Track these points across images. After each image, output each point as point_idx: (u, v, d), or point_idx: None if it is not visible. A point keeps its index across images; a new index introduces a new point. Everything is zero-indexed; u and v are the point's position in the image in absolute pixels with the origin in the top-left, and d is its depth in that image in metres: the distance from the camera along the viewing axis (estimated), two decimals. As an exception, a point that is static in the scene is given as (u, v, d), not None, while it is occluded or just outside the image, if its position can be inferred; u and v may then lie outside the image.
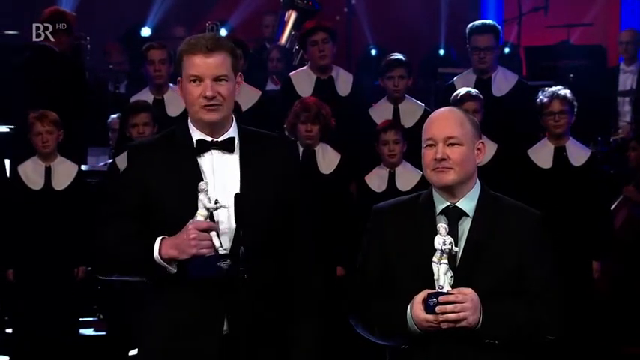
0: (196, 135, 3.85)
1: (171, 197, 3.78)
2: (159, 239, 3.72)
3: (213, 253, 3.67)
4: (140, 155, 3.89)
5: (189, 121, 3.89)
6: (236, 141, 3.85)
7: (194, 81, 3.78)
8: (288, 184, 3.87)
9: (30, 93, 8.10)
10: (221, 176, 3.82)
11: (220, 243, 3.69)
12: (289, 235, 3.87)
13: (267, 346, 3.83)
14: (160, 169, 3.81)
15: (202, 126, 3.83)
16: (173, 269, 3.72)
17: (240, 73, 3.89)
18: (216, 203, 3.69)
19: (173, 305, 3.79)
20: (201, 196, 3.69)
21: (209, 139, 3.84)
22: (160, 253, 3.70)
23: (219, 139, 3.84)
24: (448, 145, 3.76)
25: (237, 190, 3.77)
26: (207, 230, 3.68)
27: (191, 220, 3.70)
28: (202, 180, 3.77)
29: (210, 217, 3.72)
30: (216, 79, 3.78)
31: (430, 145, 3.79)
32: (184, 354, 3.77)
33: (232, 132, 3.87)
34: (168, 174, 3.80)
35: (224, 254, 3.67)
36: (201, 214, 3.70)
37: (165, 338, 3.79)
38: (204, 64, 3.77)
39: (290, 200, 3.86)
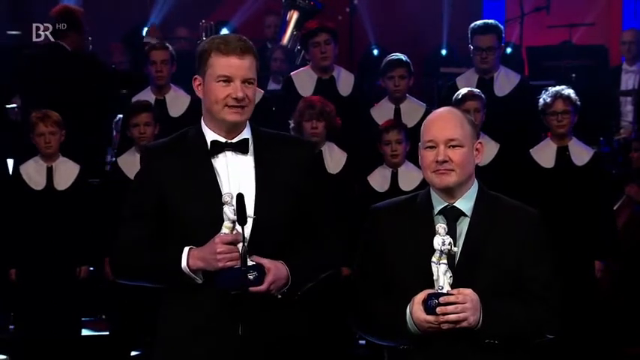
0: (210, 136, 3.86)
1: (187, 199, 3.79)
2: (186, 250, 3.74)
3: (240, 265, 3.67)
4: (154, 157, 3.90)
5: (202, 122, 3.90)
6: (250, 142, 3.87)
7: (223, 81, 3.80)
8: (305, 183, 3.87)
9: (39, 92, 8.07)
10: (236, 177, 3.82)
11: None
12: (310, 234, 3.88)
13: (282, 348, 3.83)
14: (175, 171, 3.83)
15: (221, 126, 3.84)
16: (200, 280, 3.75)
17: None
18: None
19: (190, 308, 3.80)
20: (226, 209, 3.69)
21: (223, 140, 3.85)
22: (187, 264, 3.72)
23: (233, 141, 3.85)
24: (449, 147, 3.75)
25: (253, 192, 3.78)
26: (234, 243, 3.68)
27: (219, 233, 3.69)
28: (216, 181, 3.79)
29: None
30: (245, 81, 3.80)
31: (431, 147, 3.78)
32: (201, 356, 3.78)
33: (246, 133, 3.88)
34: (183, 176, 3.81)
35: (252, 266, 3.67)
36: (226, 227, 3.69)
37: (182, 340, 3.80)
38: (237, 66, 3.79)
39: (308, 200, 3.86)
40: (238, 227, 3.69)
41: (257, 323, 3.74)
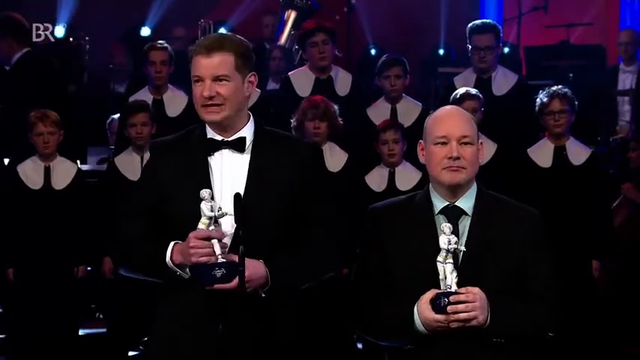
0: (209, 134, 3.88)
1: (182, 197, 3.80)
2: (172, 244, 3.76)
3: (214, 261, 3.68)
4: (156, 153, 3.94)
5: None
6: (248, 141, 3.86)
7: (197, 81, 3.82)
8: (302, 183, 3.85)
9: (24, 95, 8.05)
10: (229, 176, 3.83)
11: (221, 251, 3.69)
12: (305, 235, 3.86)
13: (268, 347, 3.82)
14: (173, 168, 3.85)
15: (212, 126, 3.86)
16: (186, 274, 3.77)
17: (253, 73, 3.88)
18: (219, 211, 3.71)
19: (180, 305, 3.82)
20: (202, 205, 3.71)
21: (220, 138, 3.85)
22: (171, 258, 3.75)
23: (230, 139, 3.85)
24: (461, 144, 3.74)
25: (243, 190, 3.78)
26: (208, 238, 3.69)
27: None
28: (209, 179, 3.80)
29: (217, 223, 3.73)
30: (216, 79, 3.79)
31: (442, 143, 3.74)
32: (184, 352, 3.80)
33: (245, 131, 3.88)
34: (180, 173, 3.83)
35: (221, 262, 3.68)
36: (202, 223, 3.71)
37: (172, 338, 3.82)
38: (204, 64, 3.80)
39: (303, 200, 3.84)
40: (227, 224, 3.70)
41: (239, 321, 3.74)
